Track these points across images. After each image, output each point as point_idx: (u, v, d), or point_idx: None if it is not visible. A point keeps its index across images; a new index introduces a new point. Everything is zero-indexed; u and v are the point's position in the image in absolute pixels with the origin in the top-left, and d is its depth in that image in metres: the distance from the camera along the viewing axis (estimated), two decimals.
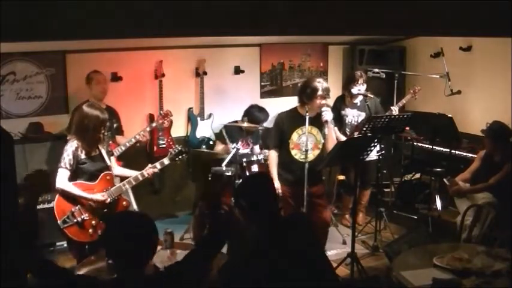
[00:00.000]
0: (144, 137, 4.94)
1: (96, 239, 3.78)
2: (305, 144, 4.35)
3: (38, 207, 4.83)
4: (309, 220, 3.63)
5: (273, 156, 4.55)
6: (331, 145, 4.42)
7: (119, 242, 2.31)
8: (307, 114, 4.32)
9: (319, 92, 4.32)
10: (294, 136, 4.43)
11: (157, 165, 4.06)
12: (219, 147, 5.67)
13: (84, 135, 3.80)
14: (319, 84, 4.34)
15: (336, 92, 6.51)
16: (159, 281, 2.36)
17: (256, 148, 5.72)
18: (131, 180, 3.99)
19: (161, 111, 5.25)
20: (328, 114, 4.37)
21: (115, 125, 5.11)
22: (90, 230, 3.80)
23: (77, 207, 3.78)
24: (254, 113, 5.60)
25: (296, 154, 4.42)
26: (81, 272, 3.20)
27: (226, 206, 3.73)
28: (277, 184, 4.42)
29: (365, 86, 5.41)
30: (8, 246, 2.40)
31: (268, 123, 6.22)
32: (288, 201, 4.47)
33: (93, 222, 3.81)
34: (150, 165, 4.06)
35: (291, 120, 4.47)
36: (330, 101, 5.78)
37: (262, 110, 5.70)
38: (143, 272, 2.34)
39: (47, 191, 3.76)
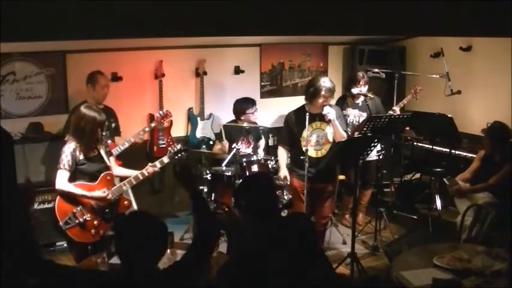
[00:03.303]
0: (140, 139, 4.89)
1: (98, 239, 3.79)
2: (306, 141, 4.43)
3: (38, 207, 4.85)
4: (309, 220, 3.66)
5: (281, 152, 4.76)
6: (339, 140, 4.55)
7: (132, 244, 2.33)
8: (308, 113, 4.39)
9: (322, 92, 4.38)
10: (305, 133, 4.49)
11: (157, 163, 4.07)
12: (217, 147, 5.67)
13: (81, 137, 3.79)
14: (323, 83, 4.39)
15: (335, 92, 6.52)
16: (159, 283, 2.37)
17: (261, 144, 5.71)
18: (131, 180, 3.99)
19: (160, 112, 5.24)
20: (331, 114, 4.43)
21: (113, 125, 5.10)
22: (93, 231, 3.80)
23: (78, 208, 3.78)
24: (236, 104, 5.60)
25: (308, 150, 4.48)
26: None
27: (226, 206, 3.74)
28: (284, 172, 4.65)
29: (367, 86, 5.42)
30: (9, 246, 2.41)
31: (274, 123, 6.26)
32: (300, 196, 4.58)
33: (95, 222, 3.81)
34: (150, 164, 4.06)
35: (299, 119, 4.53)
36: (332, 101, 5.82)
37: (245, 100, 5.67)
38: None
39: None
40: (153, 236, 2.36)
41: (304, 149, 4.43)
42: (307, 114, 4.41)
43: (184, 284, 2.45)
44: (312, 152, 4.52)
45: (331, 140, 4.58)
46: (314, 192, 4.52)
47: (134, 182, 4.02)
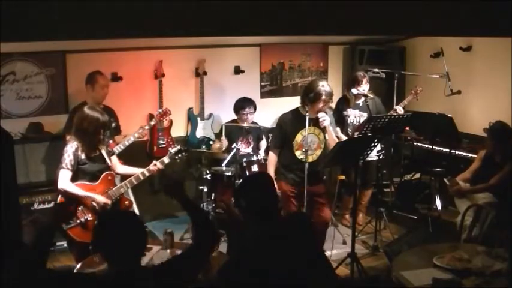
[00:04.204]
0: (140, 133, 4.89)
1: None
2: (306, 143, 4.38)
3: (38, 207, 4.86)
4: (309, 220, 3.65)
5: (271, 157, 4.62)
6: (332, 146, 4.47)
7: (106, 241, 2.36)
8: (307, 115, 4.35)
9: (323, 97, 4.34)
10: (298, 137, 4.45)
11: (158, 164, 4.07)
12: (215, 146, 5.68)
13: (84, 137, 3.80)
14: (323, 88, 4.35)
15: (335, 92, 6.49)
16: (152, 276, 2.38)
17: (263, 145, 5.71)
18: (132, 180, 4.00)
19: (160, 110, 5.25)
20: (326, 121, 4.40)
21: (113, 124, 5.10)
22: None
23: (79, 208, 3.78)
24: (236, 103, 5.62)
25: (300, 155, 4.45)
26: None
27: (225, 206, 3.74)
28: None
29: (368, 86, 5.41)
30: (10, 245, 2.41)
31: (274, 123, 6.25)
32: (291, 201, 4.52)
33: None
34: (154, 161, 4.07)
35: (294, 122, 4.49)
36: (332, 102, 5.80)
37: (243, 99, 5.68)
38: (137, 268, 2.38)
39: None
40: (127, 234, 2.37)
41: (303, 150, 4.40)
42: (307, 115, 4.36)
43: (186, 284, 2.46)
44: (303, 157, 4.43)
45: (322, 146, 4.51)
46: (307, 196, 4.40)
47: (135, 182, 4.03)
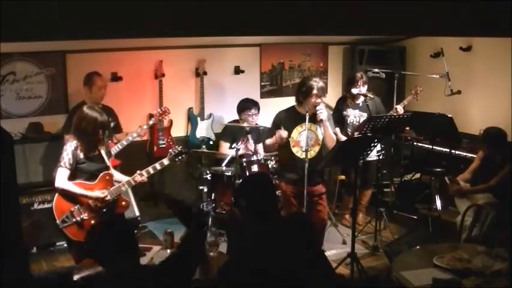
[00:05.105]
0: (139, 133, 4.91)
1: None
2: (305, 143, 4.37)
3: (37, 207, 4.86)
4: (309, 220, 3.65)
5: (268, 140, 4.61)
6: (329, 141, 4.51)
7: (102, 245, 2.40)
8: (307, 113, 4.35)
9: (314, 91, 4.36)
10: (294, 134, 4.46)
11: (157, 165, 4.07)
12: (224, 145, 5.68)
13: (82, 137, 3.81)
14: (315, 83, 4.39)
15: (335, 92, 6.53)
16: (153, 274, 2.39)
17: (259, 147, 5.71)
18: (131, 181, 4.00)
19: (159, 109, 5.25)
20: (323, 114, 4.41)
21: (112, 124, 5.10)
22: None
23: (76, 207, 3.79)
24: (239, 104, 5.63)
25: (298, 152, 4.46)
26: (80, 275, 3.21)
27: (226, 206, 3.75)
28: (282, 132, 4.44)
29: (366, 87, 5.40)
30: (10, 245, 2.42)
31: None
32: (291, 201, 4.51)
33: (93, 222, 3.81)
34: (138, 171, 4.05)
35: (290, 119, 4.50)
36: (332, 102, 5.82)
37: (247, 100, 5.69)
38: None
39: None
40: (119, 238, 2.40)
41: (303, 150, 4.40)
42: (307, 114, 4.37)
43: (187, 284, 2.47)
44: (300, 154, 4.45)
45: (320, 142, 4.52)
46: (307, 196, 4.38)
47: (133, 183, 4.03)
